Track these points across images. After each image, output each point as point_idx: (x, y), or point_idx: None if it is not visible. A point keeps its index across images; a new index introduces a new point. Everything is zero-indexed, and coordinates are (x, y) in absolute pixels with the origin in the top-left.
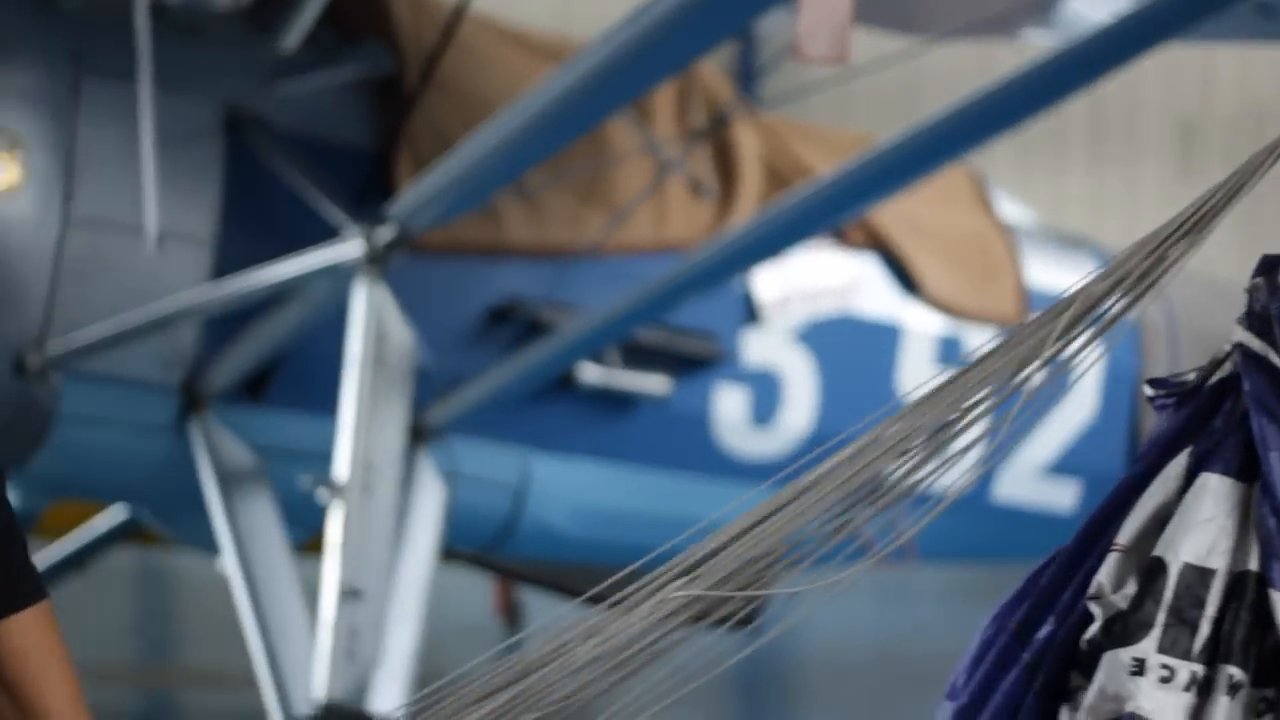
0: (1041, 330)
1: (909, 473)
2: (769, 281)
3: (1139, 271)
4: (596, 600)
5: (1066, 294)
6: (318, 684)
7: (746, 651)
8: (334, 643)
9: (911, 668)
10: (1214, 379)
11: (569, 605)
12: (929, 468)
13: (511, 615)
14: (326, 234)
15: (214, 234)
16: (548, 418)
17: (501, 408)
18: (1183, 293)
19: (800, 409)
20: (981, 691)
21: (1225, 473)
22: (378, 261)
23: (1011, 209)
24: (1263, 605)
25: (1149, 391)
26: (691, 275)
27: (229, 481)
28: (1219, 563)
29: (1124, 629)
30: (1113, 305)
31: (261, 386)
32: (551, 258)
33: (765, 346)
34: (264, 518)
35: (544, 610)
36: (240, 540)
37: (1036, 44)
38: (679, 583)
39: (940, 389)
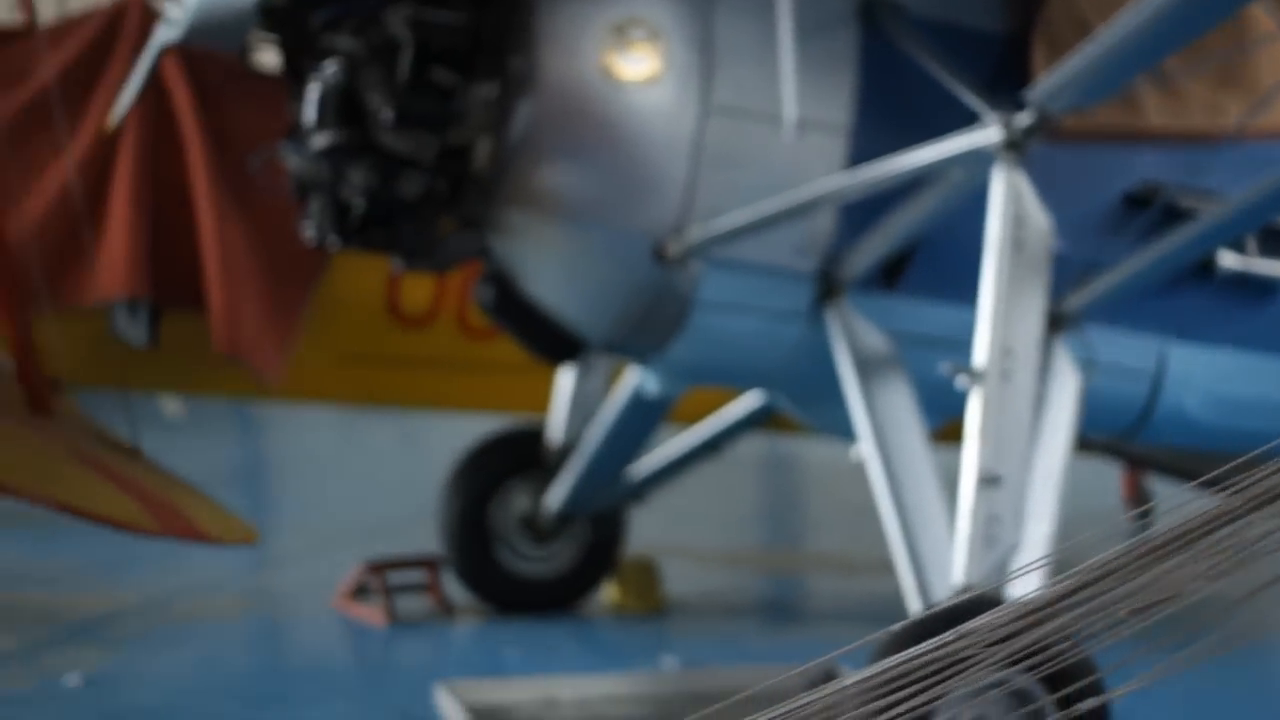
0: None
1: None
2: None
3: None
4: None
5: None
6: (957, 570)
7: None
8: (973, 529)
9: None
10: None
11: (1198, 492)
12: None
13: (1140, 503)
14: (960, 120)
15: (850, 122)
16: (1184, 305)
17: (1136, 295)
18: None
19: None
20: None
21: None
22: (1016, 147)
23: None
24: None
25: None
26: None
27: (866, 368)
28: None
29: None
30: None
31: (897, 273)
32: (1189, 144)
33: None
34: (901, 404)
35: (1172, 499)
36: (878, 427)
37: None
38: None
39: None
